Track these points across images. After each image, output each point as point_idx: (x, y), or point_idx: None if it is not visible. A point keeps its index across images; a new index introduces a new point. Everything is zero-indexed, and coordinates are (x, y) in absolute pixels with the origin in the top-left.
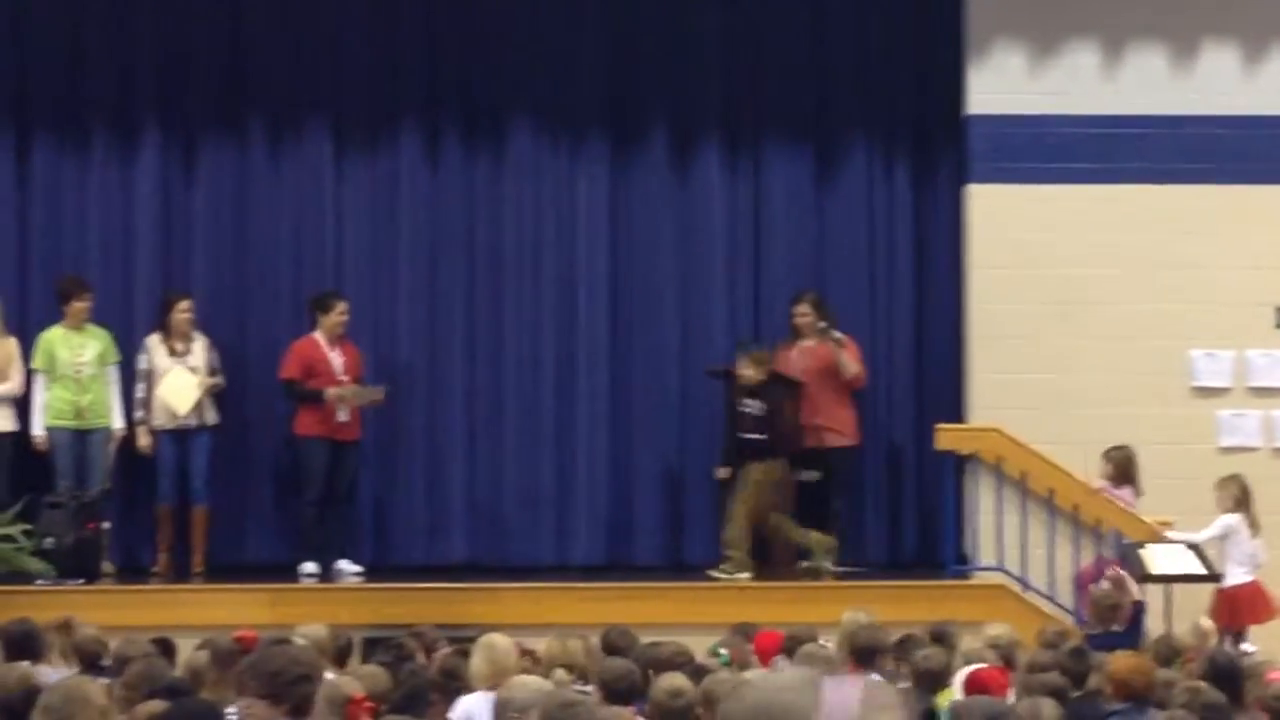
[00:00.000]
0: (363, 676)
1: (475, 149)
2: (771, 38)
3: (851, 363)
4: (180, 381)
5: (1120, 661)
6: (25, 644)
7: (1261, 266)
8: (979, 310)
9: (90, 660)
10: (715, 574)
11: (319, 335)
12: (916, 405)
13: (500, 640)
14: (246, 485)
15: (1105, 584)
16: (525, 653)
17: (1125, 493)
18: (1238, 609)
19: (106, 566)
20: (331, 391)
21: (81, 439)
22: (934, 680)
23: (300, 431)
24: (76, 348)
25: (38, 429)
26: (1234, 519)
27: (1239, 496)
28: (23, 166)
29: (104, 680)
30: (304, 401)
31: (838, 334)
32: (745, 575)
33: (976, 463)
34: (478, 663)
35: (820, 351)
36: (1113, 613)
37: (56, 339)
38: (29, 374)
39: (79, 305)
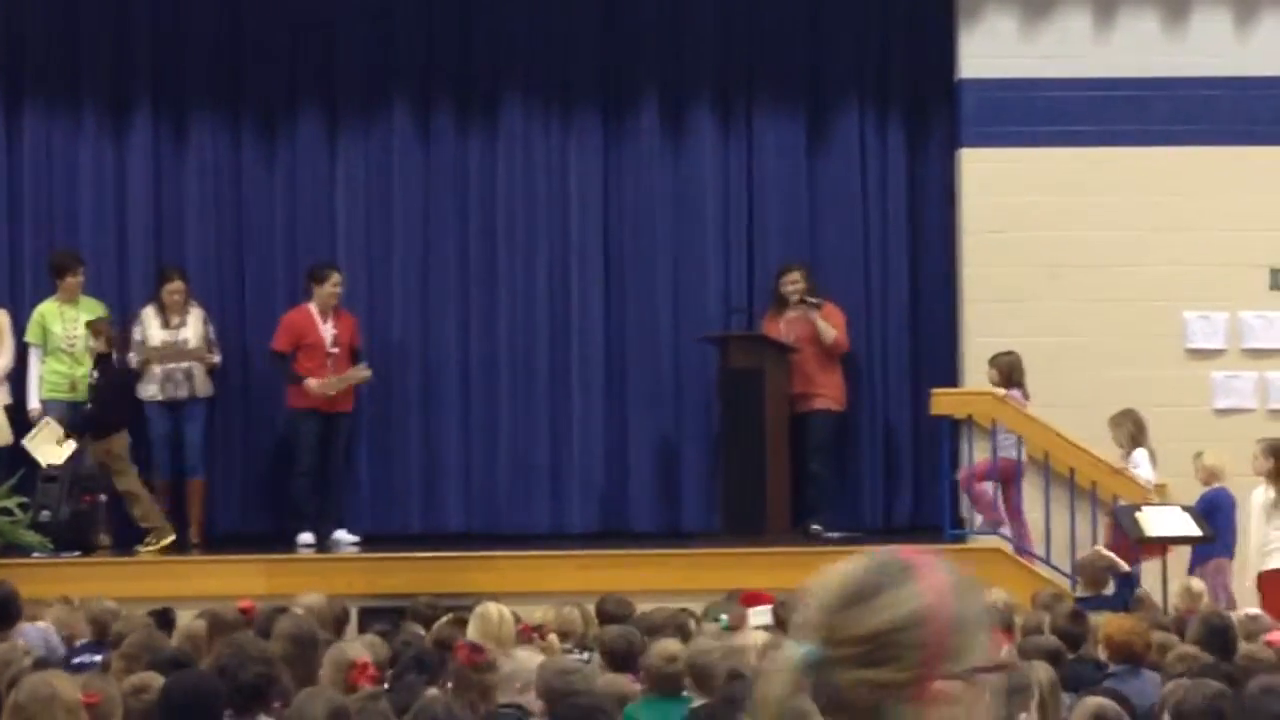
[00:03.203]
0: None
1: (468, 121)
2: (763, 3)
3: (829, 328)
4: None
5: (1115, 623)
6: (4, 607)
7: (1255, 228)
8: (972, 274)
9: (103, 630)
10: (143, 549)
11: (312, 306)
12: (911, 370)
13: (495, 610)
14: (243, 457)
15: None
16: (530, 629)
17: (1015, 395)
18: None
19: (103, 539)
20: (312, 383)
21: (76, 411)
22: None
23: (292, 404)
24: (70, 321)
25: (33, 402)
26: (1143, 453)
27: (1133, 432)
28: (14, 140)
29: (97, 657)
30: (291, 380)
31: (811, 299)
32: (170, 539)
33: (971, 427)
34: (472, 632)
35: (807, 320)
36: (1103, 575)
37: (50, 313)
38: (22, 348)
39: (73, 279)
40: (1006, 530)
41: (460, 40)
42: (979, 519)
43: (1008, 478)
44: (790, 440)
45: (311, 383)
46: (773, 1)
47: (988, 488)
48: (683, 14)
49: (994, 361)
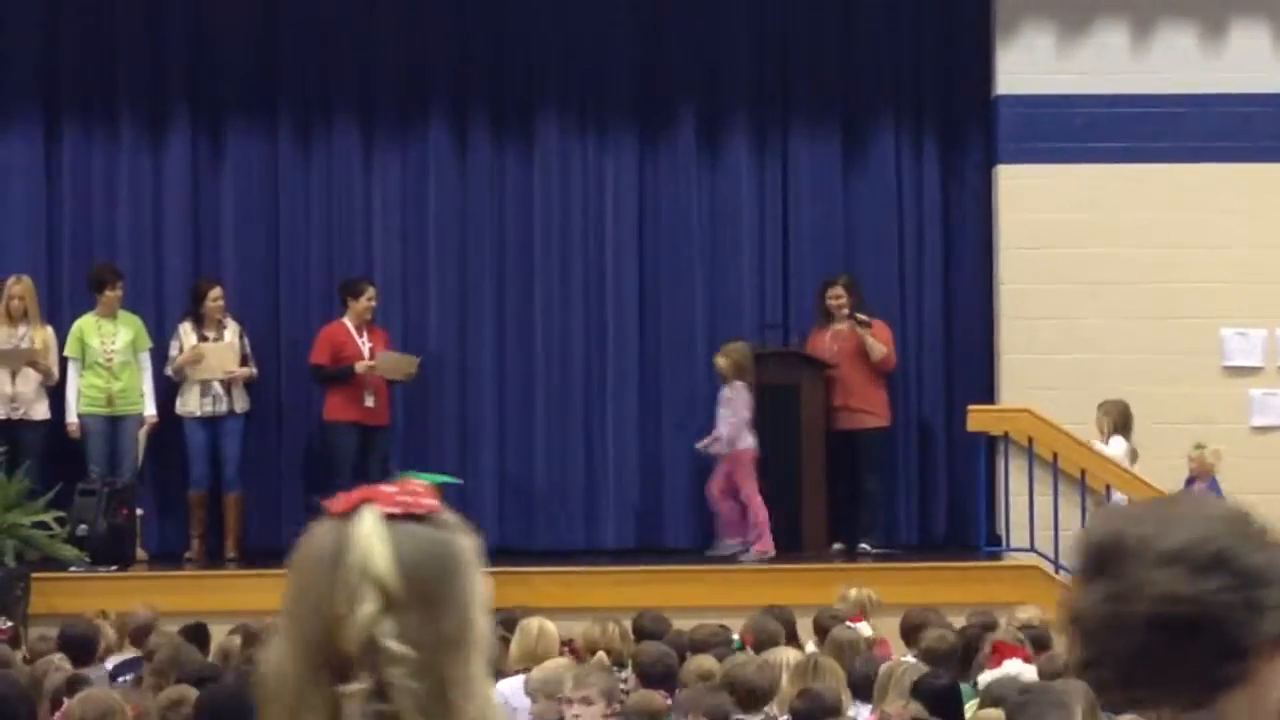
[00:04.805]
0: None
1: (504, 135)
2: (799, 20)
3: (878, 345)
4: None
5: None
6: (83, 645)
7: None
8: (1009, 291)
9: (141, 638)
10: None
11: (348, 320)
12: (947, 386)
13: (537, 624)
14: (280, 471)
15: None
16: (563, 643)
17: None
18: None
19: (140, 553)
20: (361, 364)
21: (113, 426)
22: (944, 661)
23: (330, 417)
24: (108, 335)
25: (71, 416)
26: (1123, 444)
27: (1117, 422)
28: (53, 154)
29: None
30: (334, 382)
31: (862, 316)
32: None
33: (1007, 443)
34: (513, 646)
35: (853, 334)
36: None
37: (88, 327)
38: (62, 362)
39: (111, 293)
40: (749, 542)
41: (495, 53)
42: (730, 538)
43: (745, 466)
44: (829, 455)
45: (360, 365)
46: (808, 17)
47: (734, 507)
48: (718, 30)
49: (724, 349)
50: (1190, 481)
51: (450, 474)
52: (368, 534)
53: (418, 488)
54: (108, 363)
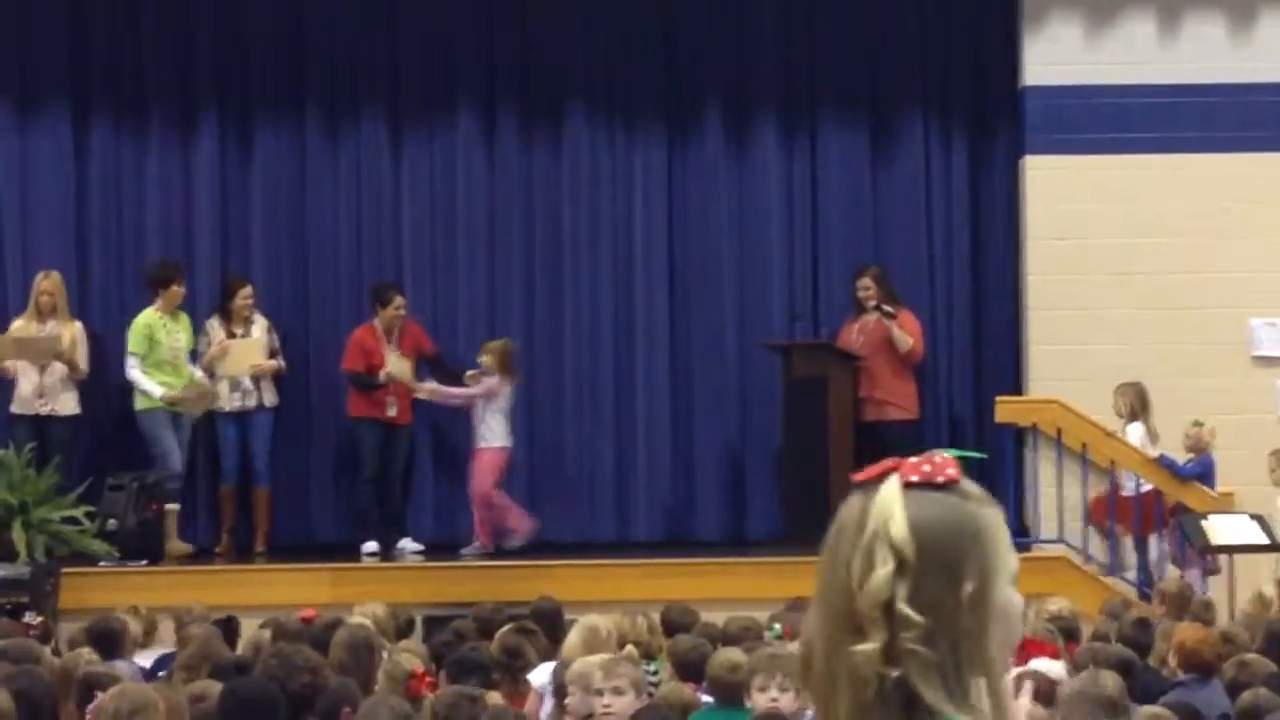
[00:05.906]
0: (412, 652)
1: (532, 131)
2: (826, 12)
3: (904, 336)
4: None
5: (1187, 632)
6: (110, 640)
7: None
8: (1037, 282)
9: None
10: None
11: (377, 325)
12: (975, 378)
13: (601, 622)
14: (308, 466)
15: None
16: None
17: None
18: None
19: (179, 547)
20: (382, 374)
21: (175, 421)
22: None
23: (353, 413)
24: (171, 333)
25: (154, 400)
26: (1140, 429)
27: (1135, 405)
28: (82, 151)
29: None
30: (367, 390)
31: (888, 308)
32: None
33: (1036, 435)
34: (574, 641)
35: (880, 326)
36: (1190, 599)
37: (155, 324)
38: (97, 358)
39: (177, 289)
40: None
41: (522, 50)
42: (515, 532)
43: (486, 465)
44: (858, 448)
45: (381, 375)
46: (835, 10)
47: (501, 496)
48: (745, 24)
49: (485, 348)
50: (1187, 464)
51: (973, 449)
52: (887, 500)
53: (940, 458)
54: (174, 360)
